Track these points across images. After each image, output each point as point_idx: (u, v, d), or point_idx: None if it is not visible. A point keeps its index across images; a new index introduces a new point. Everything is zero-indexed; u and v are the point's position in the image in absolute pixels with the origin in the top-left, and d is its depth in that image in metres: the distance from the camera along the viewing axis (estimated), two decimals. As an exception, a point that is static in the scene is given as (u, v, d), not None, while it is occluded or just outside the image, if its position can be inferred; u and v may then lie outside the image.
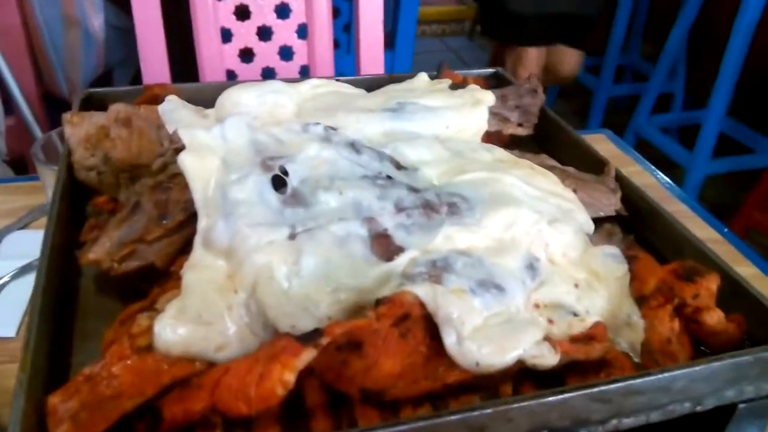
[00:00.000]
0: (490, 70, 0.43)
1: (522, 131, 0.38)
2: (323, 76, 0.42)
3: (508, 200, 0.28)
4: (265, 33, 1.09)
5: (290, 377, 0.20)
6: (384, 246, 0.26)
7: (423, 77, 0.41)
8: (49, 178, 0.40)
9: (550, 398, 0.22)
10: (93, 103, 0.37)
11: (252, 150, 0.30)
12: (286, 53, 1.08)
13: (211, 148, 0.29)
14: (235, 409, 0.21)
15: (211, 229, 0.27)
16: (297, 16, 1.06)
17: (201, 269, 0.26)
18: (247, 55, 1.08)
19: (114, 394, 0.22)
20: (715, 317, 0.25)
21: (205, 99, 0.39)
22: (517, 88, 0.40)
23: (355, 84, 0.41)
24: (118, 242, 0.27)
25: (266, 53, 1.04)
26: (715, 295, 0.25)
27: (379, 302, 0.22)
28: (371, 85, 0.41)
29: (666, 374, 0.23)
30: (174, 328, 0.23)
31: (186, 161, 0.28)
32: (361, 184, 0.29)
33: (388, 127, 0.35)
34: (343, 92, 0.40)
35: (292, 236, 0.26)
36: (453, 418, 0.21)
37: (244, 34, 1.07)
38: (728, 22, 1.26)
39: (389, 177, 0.30)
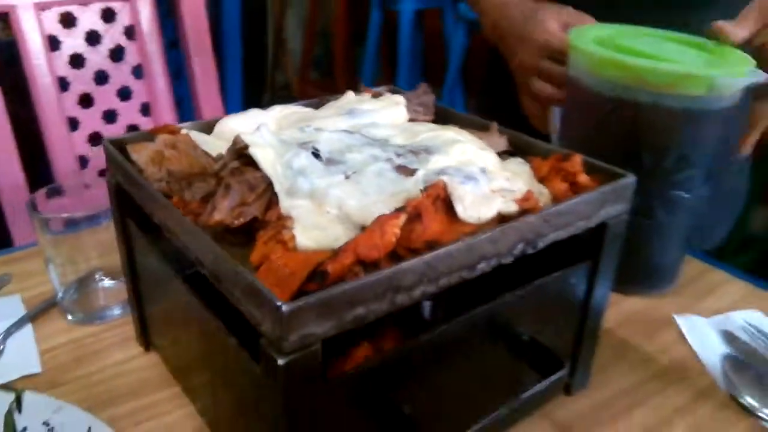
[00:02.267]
0: (390, 86, 0.62)
1: (427, 119, 0.58)
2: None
3: (455, 141, 0.47)
4: (110, 116, 1.20)
5: (397, 229, 0.36)
6: (404, 170, 0.43)
7: (351, 94, 0.59)
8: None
9: (500, 228, 0.40)
10: (119, 145, 0.49)
11: (284, 143, 0.46)
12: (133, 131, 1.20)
13: (263, 144, 0.44)
14: (370, 256, 0.36)
15: (291, 186, 0.41)
16: (138, 96, 1.18)
17: (297, 208, 0.40)
18: (95, 138, 1.18)
19: (291, 272, 0.36)
20: (583, 177, 0.46)
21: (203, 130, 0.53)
22: (416, 92, 0.59)
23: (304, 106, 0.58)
24: (230, 207, 0.41)
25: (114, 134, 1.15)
26: (581, 165, 0.46)
27: (423, 190, 0.39)
28: (314, 106, 0.58)
29: (570, 202, 0.43)
30: (306, 236, 0.38)
31: (257, 153, 0.43)
32: (368, 147, 0.45)
33: (351, 124, 0.52)
34: (302, 110, 0.56)
35: (347, 177, 0.42)
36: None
37: (90, 119, 1.17)
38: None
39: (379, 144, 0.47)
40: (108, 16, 1.12)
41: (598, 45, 0.62)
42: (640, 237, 0.62)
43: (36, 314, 0.62)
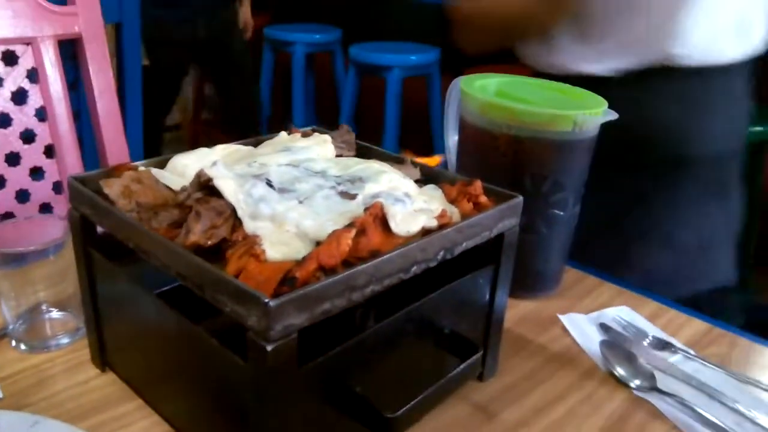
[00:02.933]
0: (315, 126, 0.71)
1: (350, 154, 0.68)
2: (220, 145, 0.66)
3: (382, 172, 0.57)
4: (12, 159, 1.21)
5: (350, 241, 0.46)
6: (347, 195, 0.52)
7: (283, 134, 0.68)
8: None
9: (425, 239, 0.51)
10: (82, 182, 0.55)
11: (240, 176, 0.54)
12: (37, 174, 1.22)
13: (224, 176, 0.52)
14: (330, 263, 0.45)
15: (254, 211, 0.50)
16: (42, 139, 1.20)
17: (261, 228, 0.49)
18: None
19: (266, 278, 0.44)
20: (483, 198, 0.57)
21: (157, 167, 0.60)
22: (339, 132, 0.69)
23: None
24: (202, 230, 0.48)
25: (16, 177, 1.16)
26: (482, 189, 0.58)
27: (366, 209, 0.49)
28: (253, 144, 0.67)
29: (476, 217, 0.54)
30: (274, 250, 0.46)
31: (220, 183, 0.51)
32: (312, 177, 0.55)
33: (291, 159, 0.61)
34: (243, 148, 0.65)
35: (300, 202, 0.51)
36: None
37: None
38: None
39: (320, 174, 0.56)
40: (9, 59, 1.13)
41: (485, 92, 0.75)
42: (526, 249, 0.75)
43: (-15, 346, 0.65)
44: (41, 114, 1.20)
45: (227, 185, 0.51)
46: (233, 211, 0.50)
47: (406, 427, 0.51)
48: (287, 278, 0.44)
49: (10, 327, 0.66)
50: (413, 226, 0.51)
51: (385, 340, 0.51)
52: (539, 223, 0.76)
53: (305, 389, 0.45)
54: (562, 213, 0.76)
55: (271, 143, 0.66)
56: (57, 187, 1.20)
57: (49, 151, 1.22)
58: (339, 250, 0.46)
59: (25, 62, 1.16)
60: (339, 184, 0.55)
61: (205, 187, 0.52)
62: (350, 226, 0.47)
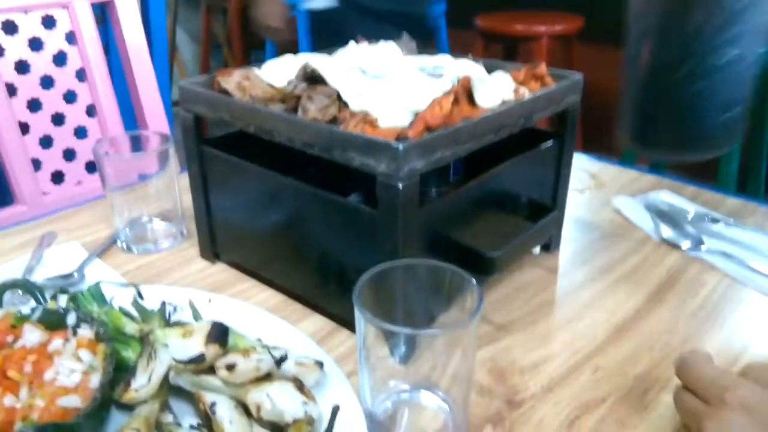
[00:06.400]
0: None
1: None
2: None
3: (456, 63, 0.64)
4: (58, 119, 1.27)
5: (449, 104, 0.53)
6: (434, 75, 0.59)
7: (352, 43, 0.75)
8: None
9: (508, 107, 0.58)
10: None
11: (337, 67, 0.61)
12: (81, 132, 1.28)
13: (326, 66, 0.59)
14: (435, 123, 0.52)
15: (357, 93, 0.57)
16: (84, 99, 1.26)
17: (367, 105, 0.56)
18: (46, 141, 1.25)
19: (384, 137, 0.51)
20: (549, 79, 0.64)
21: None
22: (402, 41, 0.76)
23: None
24: (317, 109, 0.56)
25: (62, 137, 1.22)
26: (545, 69, 0.65)
27: (456, 82, 0.56)
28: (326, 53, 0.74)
29: (548, 89, 0.61)
30: (384, 119, 0.54)
31: (325, 72, 0.58)
32: (397, 67, 0.62)
33: (369, 58, 0.68)
34: (321, 55, 0.72)
35: (395, 83, 0.58)
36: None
37: (40, 123, 1.23)
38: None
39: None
40: (48, 23, 1.19)
41: None
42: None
43: (101, 251, 0.73)
44: (81, 75, 1.26)
45: (330, 73, 0.58)
46: (338, 95, 0.58)
47: (500, 268, 0.59)
48: (401, 137, 0.51)
49: (120, 234, 0.73)
50: (495, 99, 0.59)
51: (479, 196, 0.58)
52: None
53: (424, 229, 0.53)
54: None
55: (344, 51, 0.73)
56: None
57: (90, 111, 1.29)
58: (442, 112, 0.53)
59: (63, 26, 1.21)
60: (422, 70, 0.62)
61: (309, 78, 0.59)
62: (447, 93, 0.54)
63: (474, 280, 0.43)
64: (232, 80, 0.60)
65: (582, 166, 0.96)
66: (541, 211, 0.65)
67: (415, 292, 0.46)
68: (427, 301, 0.47)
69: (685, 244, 0.73)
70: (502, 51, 2.37)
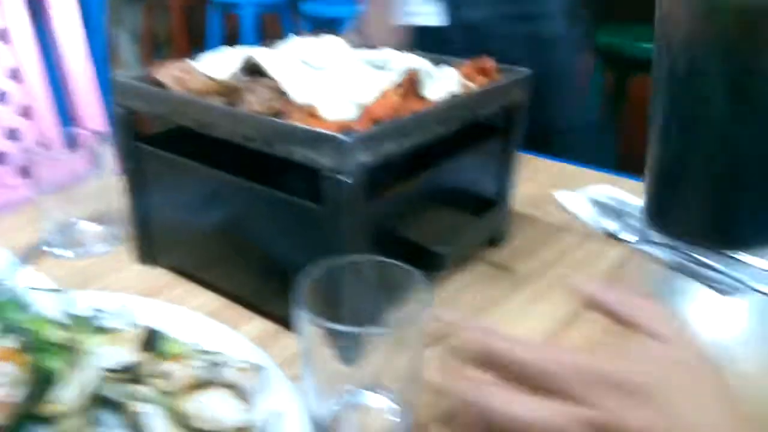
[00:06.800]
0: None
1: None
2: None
3: (401, 55, 0.63)
4: None
5: (397, 97, 0.52)
6: (380, 68, 0.58)
7: (294, 36, 0.72)
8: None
9: (454, 100, 0.57)
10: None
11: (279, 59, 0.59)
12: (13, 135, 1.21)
13: (268, 59, 0.57)
14: (382, 115, 0.51)
15: (300, 85, 0.55)
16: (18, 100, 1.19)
17: (311, 98, 0.54)
18: None
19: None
20: (496, 74, 0.64)
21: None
22: (347, 35, 0.74)
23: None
24: (260, 102, 0.53)
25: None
26: (494, 67, 0.64)
27: (403, 74, 0.55)
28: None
29: (494, 84, 0.60)
30: (329, 112, 0.52)
31: (267, 64, 0.56)
32: (342, 59, 0.60)
33: (312, 51, 0.66)
34: (262, 48, 0.69)
35: (340, 76, 0.56)
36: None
37: None
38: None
39: (347, 58, 0.62)
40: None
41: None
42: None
43: (31, 257, 0.68)
44: (14, 75, 1.19)
45: (273, 65, 0.56)
46: (280, 87, 0.55)
47: (448, 264, 0.58)
48: (347, 130, 0.50)
49: (52, 238, 0.69)
50: (443, 93, 0.58)
51: (426, 191, 0.57)
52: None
53: (371, 225, 0.51)
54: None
55: (286, 44, 0.71)
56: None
57: (25, 113, 1.22)
58: (389, 104, 0.52)
59: (-6, 23, 1.15)
60: (368, 63, 0.60)
61: (251, 70, 0.57)
62: (394, 85, 0.53)
63: (422, 276, 0.42)
64: (168, 72, 0.57)
65: (526, 161, 0.96)
66: (488, 205, 0.65)
67: (361, 290, 0.44)
68: (374, 299, 0.45)
69: (629, 237, 0.74)
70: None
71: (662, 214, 0.70)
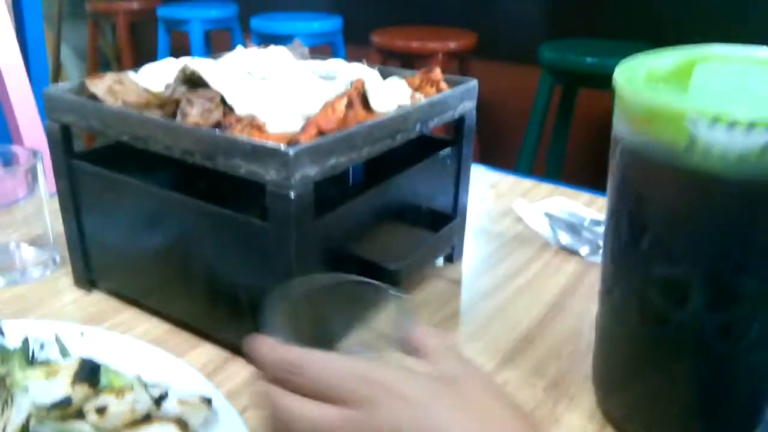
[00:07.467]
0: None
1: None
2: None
3: (349, 67, 0.61)
4: None
5: (343, 107, 0.50)
6: (327, 78, 0.56)
7: (240, 47, 0.70)
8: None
9: (405, 111, 0.56)
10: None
11: (221, 69, 0.56)
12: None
13: (209, 69, 0.55)
14: (328, 127, 0.49)
15: (243, 96, 0.53)
16: None
17: (254, 110, 0.52)
18: None
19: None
20: (444, 84, 0.63)
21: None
22: (293, 45, 0.72)
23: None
24: (198, 113, 0.51)
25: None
26: (440, 75, 0.63)
27: (349, 86, 0.53)
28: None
29: (443, 94, 0.59)
30: (273, 124, 0.49)
31: (207, 74, 0.53)
32: (288, 69, 0.58)
33: (256, 61, 0.64)
34: (207, 59, 0.67)
35: (284, 86, 0.54)
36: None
37: None
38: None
39: (293, 70, 0.60)
40: None
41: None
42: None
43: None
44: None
45: (212, 75, 0.54)
46: (221, 98, 0.53)
47: (402, 281, 0.56)
48: (291, 142, 0.47)
49: (-18, 264, 0.65)
50: (391, 104, 0.56)
51: (378, 206, 0.55)
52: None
53: (320, 242, 0.49)
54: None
55: (230, 55, 0.68)
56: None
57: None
58: (335, 115, 0.50)
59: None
60: (314, 74, 0.58)
61: (189, 81, 0.54)
62: (341, 96, 0.51)
63: (403, 294, 0.40)
64: (102, 84, 0.54)
65: (480, 176, 0.95)
66: (443, 220, 0.63)
67: (332, 310, 0.42)
68: (345, 319, 0.43)
69: (584, 250, 0.73)
70: (399, 66, 2.38)
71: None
